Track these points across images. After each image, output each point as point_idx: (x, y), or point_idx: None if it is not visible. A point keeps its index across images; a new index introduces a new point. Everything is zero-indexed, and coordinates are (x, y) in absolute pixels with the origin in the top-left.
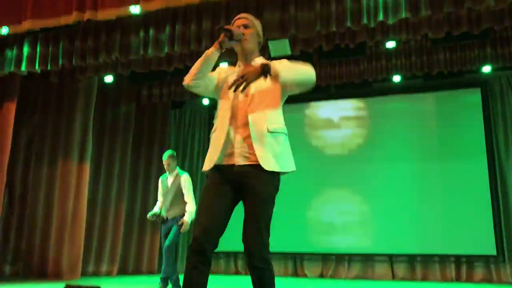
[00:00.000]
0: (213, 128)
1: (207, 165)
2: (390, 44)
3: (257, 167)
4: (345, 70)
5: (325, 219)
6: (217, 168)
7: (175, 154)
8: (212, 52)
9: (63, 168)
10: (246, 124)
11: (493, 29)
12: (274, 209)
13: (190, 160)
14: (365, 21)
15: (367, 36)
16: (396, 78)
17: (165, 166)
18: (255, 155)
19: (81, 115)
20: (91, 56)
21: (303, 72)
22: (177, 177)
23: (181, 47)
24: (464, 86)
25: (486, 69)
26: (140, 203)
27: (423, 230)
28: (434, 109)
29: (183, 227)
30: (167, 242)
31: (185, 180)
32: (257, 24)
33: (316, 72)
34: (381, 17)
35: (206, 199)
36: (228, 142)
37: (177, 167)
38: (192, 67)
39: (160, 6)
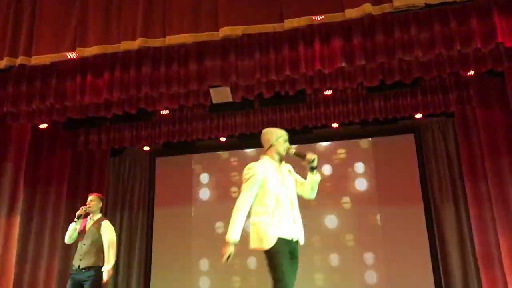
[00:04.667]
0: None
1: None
2: (328, 92)
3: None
4: (286, 116)
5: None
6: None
7: (102, 197)
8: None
9: None
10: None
11: (423, 78)
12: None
13: (129, 210)
14: (303, 69)
15: (306, 84)
16: (335, 125)
17: (88, 206)
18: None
19: (12, 165)
20: (24, 102)
21: None
22: (98, 222)
23: (120, 92)
24: (399, 132)
25: (418, 116)
26: None
27: (365, 277)
28: (371, 154)
29: (106, 277)
30: None
31: (109, 227)
32: None
33: (257, 118)
34: (318, 66)
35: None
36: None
37: (100, 213)
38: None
39: (96, 52)
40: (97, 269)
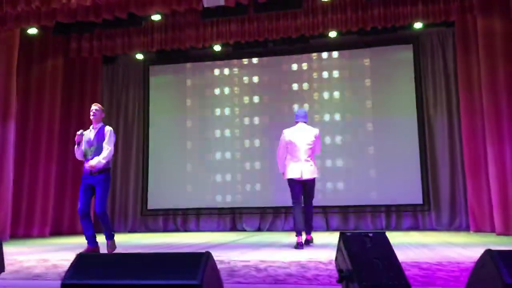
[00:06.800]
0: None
1: None
2: None
3: None
4: (282, 24)
5: (261, 174)
6: None
7: (104, 109)
8: None
9: None
10: None
11: None
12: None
13: (125, 119)
14: None
15: None
16: (332, 34)
17: (92, 114)
18: None
19: (2, 71)
20: (9, 4)
21: None
22: (101, 129)
23: None
24: (397, 43)
25: (418, 25)
26: (72, 162)
27: (355, 183)
28: (368, 64)
29: (93, 163)
30: (101, 208)
31: (109, 132)
32: None
33: (252, 26)
34: None
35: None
36: None
37: (101, 123)
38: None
39: None
40: (107, 172)
